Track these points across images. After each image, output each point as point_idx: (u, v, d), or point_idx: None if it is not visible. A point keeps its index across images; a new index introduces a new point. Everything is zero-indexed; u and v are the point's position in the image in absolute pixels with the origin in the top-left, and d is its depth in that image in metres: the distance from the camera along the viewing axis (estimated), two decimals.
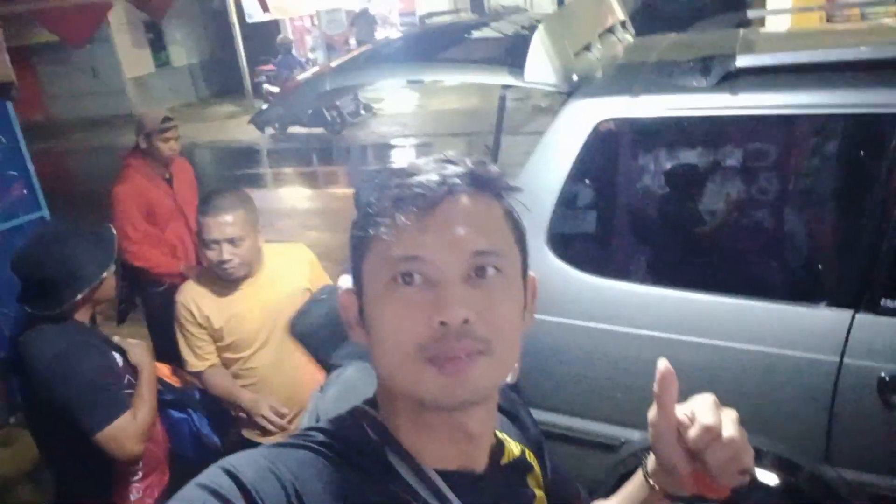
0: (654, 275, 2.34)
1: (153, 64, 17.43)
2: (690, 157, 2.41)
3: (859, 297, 1.90)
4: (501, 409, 0.89)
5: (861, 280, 1.91)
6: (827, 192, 2.28)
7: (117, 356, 2.03)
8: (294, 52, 13.64)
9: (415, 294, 0.67)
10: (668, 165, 2.40)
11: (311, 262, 2.43)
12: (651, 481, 0.82)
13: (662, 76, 2.22)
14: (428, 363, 0.65)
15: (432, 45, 2.79)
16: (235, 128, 12.47)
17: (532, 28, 2.26)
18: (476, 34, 2.71)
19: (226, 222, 2.13)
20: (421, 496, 0.70)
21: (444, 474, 0.73)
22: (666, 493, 0.81)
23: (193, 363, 2.32)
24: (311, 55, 15.82)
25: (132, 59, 16.64)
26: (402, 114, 12.73)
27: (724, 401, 0.75)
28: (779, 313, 2.00)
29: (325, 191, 9.12)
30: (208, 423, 2.28)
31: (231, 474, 0.63)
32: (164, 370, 2.28)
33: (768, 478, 2.03)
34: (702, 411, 0.73)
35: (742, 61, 2.07)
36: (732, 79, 2.06)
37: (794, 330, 1.96)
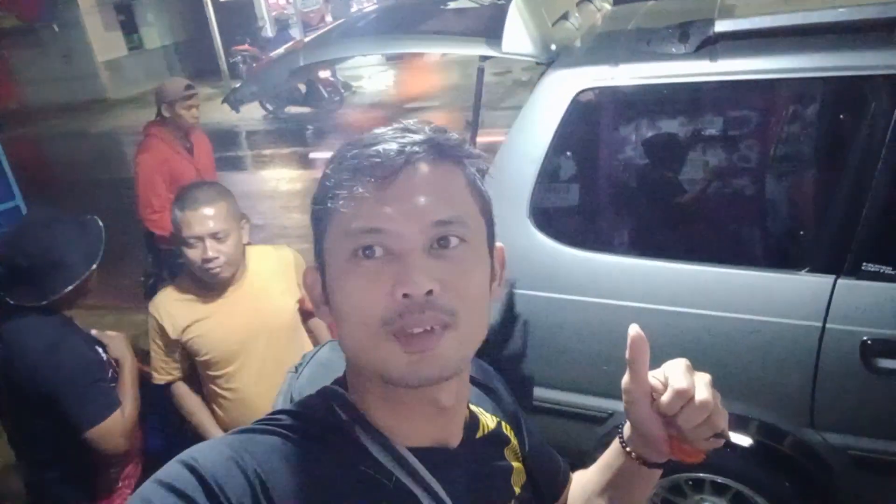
0: (637, 246, 2.32)
1: (126, 47, 17.15)
2: (671, 125, 2.39)
3: (841, 262, 1.90)
4: (476, 382, 0.88)
5: (842, 245, 1.91)
6: (807, 157, 2.28)
7: (100, 350, 1.99)
8: (269, 30, 13.41)
9: (376, 267, 0.64)
10: (650, 134, 2.39)
11: (298, 266, 2.23)
12: (627, 448, 0.81)
13: (641, 44, 2.19)
14: (393, 339, 0.63)
15: (407, 17, 2.74)
16: (213, 110, 12.28)
17: None
18: (452, 5, 2.66)
19: (207, 216, 1.94)
20: (394, 475, 0.69)
21: (417, 452, 0.71)
22: (642, 460, 0.80)
23: (155, 378, 2.14)
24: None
25: (104, 42, 16.36)
26: (381, 91, 12.61)
27: (709, 369, 0.74)
28: (762, 280, 1.99)
29: (305, 171, 9.03)
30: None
31: (190, 468, 0.61)
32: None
33: (743, 440, 2.04)
34: (674, 375, 0.72)
35: (721, 26, 2.04)
36: (711, 44, 2.03)
37: (777, 296, 1.96)
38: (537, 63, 2.25)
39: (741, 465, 2.10)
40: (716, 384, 0.73)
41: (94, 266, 1.94)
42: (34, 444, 1.98)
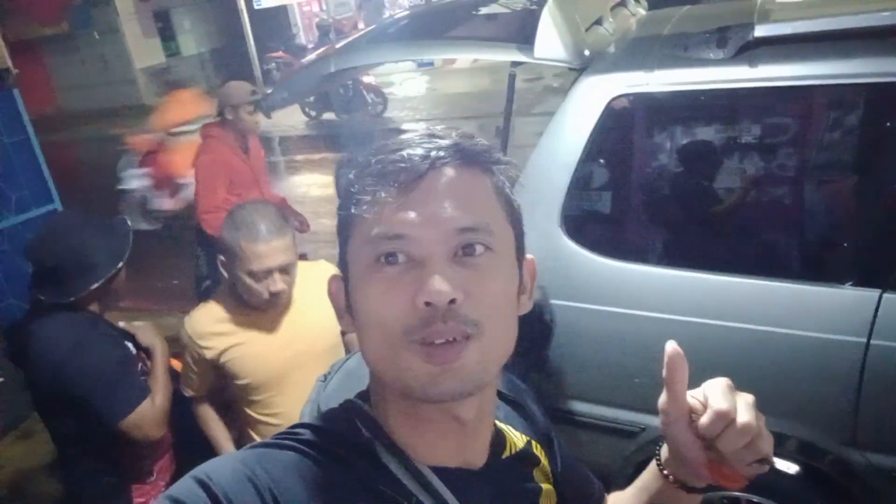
0: (672, 257, 2.27)
1: (163, 54, 17.45)
2: (708, 132, 2.33)
3: (887, 276, 1.82)
4: (505, 398, 0.85)
5: (888, 258, 1.84)
6: (851, 167, 2.20)
7: (128, 343, 2.03)
8: (302, 37, 13.52)
9: (398, 274, 0.62)
10: (685, 142, 2.33)
11: None
12: (665, 471, 0.77)
13: (677, 49, 2.14)
14: (414, 350, 0.61)
15: (439, 23, 2.72)
16: None
17: (541, 2, 2.19)
18: (484, 10, 2.64)
19: (280, 248, 1.79)
20: (414, 496, 0.66)
21: (439, 471, 0.69)
22: (680, 484, 0.76)
23: (182, 388, 2.08)
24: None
25: (142, 49, 16.69)
26: (412, 98, 12.65)
27: (748, 385, 0.71)
28: (804, 294, 1.93)
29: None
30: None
31: (203, 484, 0.59)
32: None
33: (788, 467, 1.97)
34: (715, 396, 0.68)
35: (760, 31, 1.99)
36: (751, 50, 1.98)
37: (820, 311, 1.90)
38: (570, 69, 2.22)
39: (780, 484, 2.03)
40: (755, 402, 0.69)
41: (120, 265, 1.98)
42: (66, 439, 2.02)
